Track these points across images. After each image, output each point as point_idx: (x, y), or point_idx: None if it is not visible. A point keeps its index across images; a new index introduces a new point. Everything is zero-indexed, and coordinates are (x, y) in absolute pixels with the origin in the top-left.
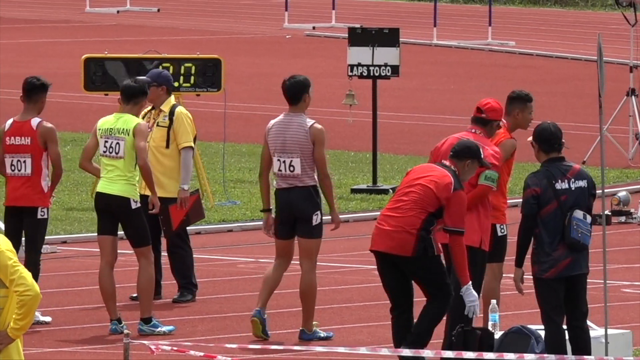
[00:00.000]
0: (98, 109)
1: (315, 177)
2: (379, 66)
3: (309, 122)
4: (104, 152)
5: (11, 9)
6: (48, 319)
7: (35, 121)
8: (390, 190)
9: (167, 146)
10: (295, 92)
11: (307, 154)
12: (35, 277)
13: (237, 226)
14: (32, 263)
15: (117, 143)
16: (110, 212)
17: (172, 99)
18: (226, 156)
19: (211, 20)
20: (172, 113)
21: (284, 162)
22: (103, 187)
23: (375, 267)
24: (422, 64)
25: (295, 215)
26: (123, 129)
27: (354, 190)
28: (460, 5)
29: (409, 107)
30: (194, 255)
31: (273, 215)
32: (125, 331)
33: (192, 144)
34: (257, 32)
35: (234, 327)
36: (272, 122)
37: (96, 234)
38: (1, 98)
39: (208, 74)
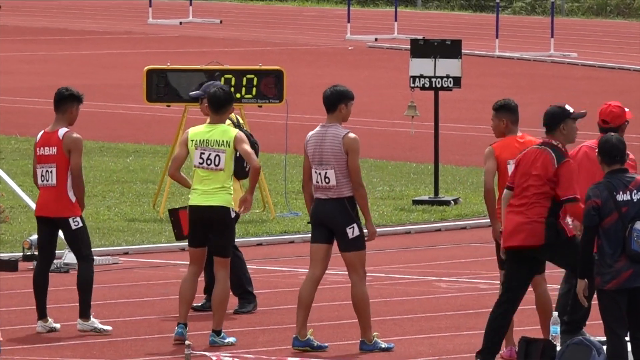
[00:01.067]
0: (160, 121)
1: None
2: (441, 78)
3: (343, 131)
4: (200, 163)
5: (76, 21)
6: (109, 327)
7: (62, 131)
8: (452, 202)
9: None
10: (333, 101)
11: (342, 165)
12: (89, 287)
13: (299, 237)
14: (83, 272)
15: (217, 155)
16: (207, 224)
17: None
18: (288, 167)
19: (273, 31)
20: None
21: (320, 174)
22: (201, 199)
23: (437, 278)
24: (483, 75)
25: (329, 227)
26: (222, 140)
27: (415, 202)
28: (522, 17)
29: (471, 118)
30: (255, 267)
31: None
32: (187, 342)
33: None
34: (320, 43)
35: None
36: (310, 133)
37: (159, 244)
38: (46, 108)
39: (270, 85)
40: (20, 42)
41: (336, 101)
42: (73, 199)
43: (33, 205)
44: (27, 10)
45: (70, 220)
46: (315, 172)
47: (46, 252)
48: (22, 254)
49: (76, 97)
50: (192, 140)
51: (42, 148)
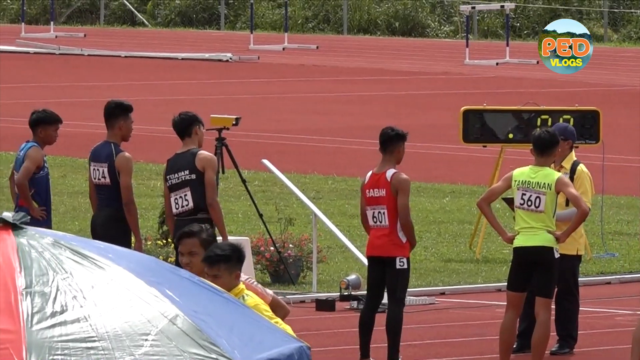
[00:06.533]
0: (476, 161)
1: None
2: None
3: None
4: (521, 204)
5: (393, 61)
6: None
7: (390, 172)
8: None
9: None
10: None
11: None
12: (399, 330)
13: (615, 278)
14: (393, 314)
15: (537, 197)
16: (530, 264)
17: (573, 155)
18: (604, 208)
19: (590, 72)
20: (572, 170)
21: None
22: (523, 240)
23: None
24: None
25: None
26: (544, 183)
27: None
28: None
29: None
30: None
31: None
32: None
33: (588, 206)
34: (636, 84)
35: None
36: None
37: (475, 284)
38: (362, 149)
39: (586, 126)
40: (335, 82)
41: None
42: (404, 239)
43: (350, 245)
44: (344, 51)
45: (397, 259)
46: None
47: (375, 291)
48: (339, 293)
49: (401, 136)
50: (515, 181)
51: (371, 190)
